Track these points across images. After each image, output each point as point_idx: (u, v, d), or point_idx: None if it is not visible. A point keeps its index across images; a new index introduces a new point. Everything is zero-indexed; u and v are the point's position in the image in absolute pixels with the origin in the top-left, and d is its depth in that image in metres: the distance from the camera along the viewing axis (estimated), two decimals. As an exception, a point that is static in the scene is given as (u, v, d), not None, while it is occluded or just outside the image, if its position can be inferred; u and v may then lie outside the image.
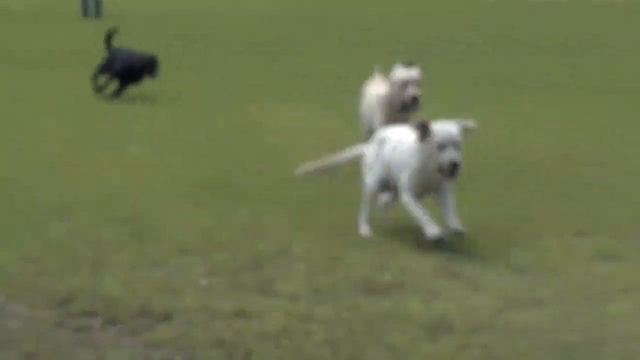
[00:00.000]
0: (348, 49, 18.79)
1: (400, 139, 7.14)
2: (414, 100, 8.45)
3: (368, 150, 7.43)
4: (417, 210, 6.88)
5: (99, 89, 12.82)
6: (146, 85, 12.89)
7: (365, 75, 9.39)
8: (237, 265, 6.44)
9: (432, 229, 6.75)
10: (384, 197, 7.47)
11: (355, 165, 7.69)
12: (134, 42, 14.32)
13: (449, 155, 6.71)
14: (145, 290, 5.92)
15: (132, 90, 12.88)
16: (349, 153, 7.76)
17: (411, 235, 7.04)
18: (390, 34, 21.51)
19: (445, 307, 5.75)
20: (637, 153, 9.94)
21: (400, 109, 8.49)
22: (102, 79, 12.89)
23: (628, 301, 5.91)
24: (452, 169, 6.71)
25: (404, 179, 6.96)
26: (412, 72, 8.53)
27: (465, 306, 5.78)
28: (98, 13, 23.23)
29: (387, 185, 7.25)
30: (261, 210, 7.60)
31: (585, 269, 6.50)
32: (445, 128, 6.78)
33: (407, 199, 6.95)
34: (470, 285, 6.18)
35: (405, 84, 8.46)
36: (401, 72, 8.54)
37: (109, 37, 13.01)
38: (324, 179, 8.11)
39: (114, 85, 12.89)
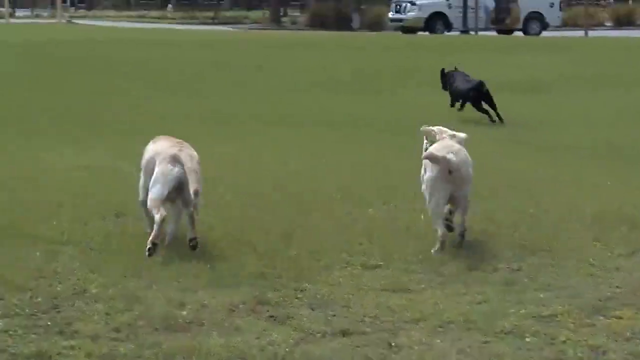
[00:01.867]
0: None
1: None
2: None
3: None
4: None
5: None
6: None
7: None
8: (34, 308, 6.40)
9: None
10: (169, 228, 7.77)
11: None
12: None
13: None
14: (-60, 336, 5.80)
15: None
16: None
17: (206, 272, 7.16)
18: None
19: (244, 342, 5.89)
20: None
21: None
22: None
23: (417, 331, 6.21)
24: None
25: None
26: None
27: (264, 340, 5.94)
28: None
29: None
30: (54, 252, 7.56)
31: (376, 301, 6.76)
32: None
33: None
34: (269, 320, 6.35)
35: None
36: None
37: None
38: (113, 220, 8.17)
39: None
